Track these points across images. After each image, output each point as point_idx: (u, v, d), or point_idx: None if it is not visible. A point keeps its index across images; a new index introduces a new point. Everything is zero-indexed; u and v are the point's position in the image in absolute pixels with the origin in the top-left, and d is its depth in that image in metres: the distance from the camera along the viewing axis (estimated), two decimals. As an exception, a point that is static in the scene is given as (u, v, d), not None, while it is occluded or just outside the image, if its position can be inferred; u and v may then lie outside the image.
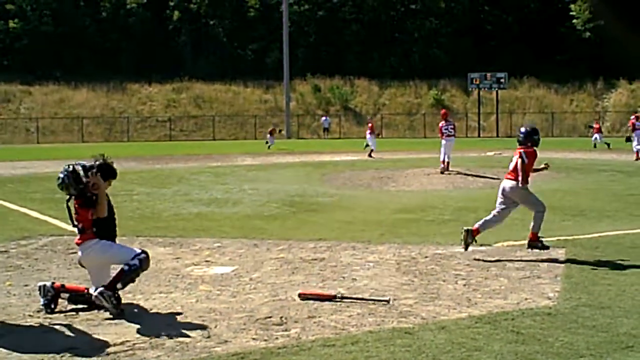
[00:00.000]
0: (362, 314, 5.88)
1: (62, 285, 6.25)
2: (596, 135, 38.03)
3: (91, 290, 6.13)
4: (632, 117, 34.97)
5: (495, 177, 19.68)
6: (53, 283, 6.20)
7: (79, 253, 6.28)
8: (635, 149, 28.66)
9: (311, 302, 6.30)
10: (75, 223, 6.21)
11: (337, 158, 29.86)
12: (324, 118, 60.01)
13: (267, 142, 39.90)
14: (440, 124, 22.41)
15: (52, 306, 6.10)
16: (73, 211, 6.21)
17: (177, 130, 59.78)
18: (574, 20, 64.90)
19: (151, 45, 67.34)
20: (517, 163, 8.66)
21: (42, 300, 6.11)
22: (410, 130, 59.06)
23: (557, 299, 6.24)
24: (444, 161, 21.06)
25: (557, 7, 66.62)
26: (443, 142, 21.45)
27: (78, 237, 6.25)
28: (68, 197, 6.22)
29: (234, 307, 6.20)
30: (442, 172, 20.60)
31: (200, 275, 7.56)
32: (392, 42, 69.37)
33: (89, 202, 6.16)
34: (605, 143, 36.39)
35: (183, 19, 70.23)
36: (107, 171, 6.39)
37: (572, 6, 65.56)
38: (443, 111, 23.86)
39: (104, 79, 62.96)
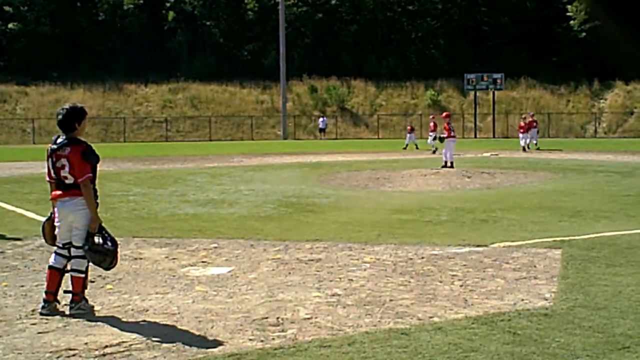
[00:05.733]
0: (359, 315, 5.88)
1: None
2: (522, 135, 36.21)
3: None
4: (530, 116, 36.72)
5: (493, 177, 19.73)
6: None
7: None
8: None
9: (308, 302, 6.29)
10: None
11: (333, 159, 29.86)
12: (321, 119, 60.06)
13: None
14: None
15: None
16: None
17: (173, 130, 59.75)
18: (571, 21, 65.03)
19: (147, 46, 67.33)
20: None
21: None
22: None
23: (554, 300, 6.24)
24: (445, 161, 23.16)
25: (553, 8, 66.77)
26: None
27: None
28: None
29: (230, 307, 6.19)
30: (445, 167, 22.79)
31: (196, 276, 7.56)
32: (389, 43, 69.47)
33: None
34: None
35: (179, 19, 70.21)
36: None
37: (568, 7, 65.69)
38: (445, 114, 25.61)
39: (100, 79, 62.92)
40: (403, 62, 67.62)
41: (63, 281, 6.22)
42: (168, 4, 71.27)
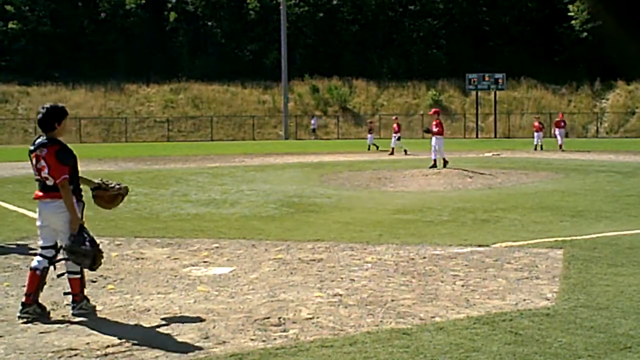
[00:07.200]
0: (361, 315, 5.88)
1: None
2: (536, 134, 36.36)
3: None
4: (560, 116, 36.36)
5: (494, 177, 19.72)
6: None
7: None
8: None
9: (309, 302, 6.29)
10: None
11: (335, 159, 29.86)
12: (314, 119, 60.26)
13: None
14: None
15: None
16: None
17: (175, 130, 59.79)
18: (572, 21, 65.00)
19: (149, 46, 67.38)
20: None
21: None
22: (408, 130, 59.07)
23: (555, 300, 6.24)
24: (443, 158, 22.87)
25: (555, 8, 66.76)
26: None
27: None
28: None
29: (232, 307, 6.19)
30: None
31: (198, 276, 7.56)
32: (391, 43, 69.51)
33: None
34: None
35: (180, 19, 70.24)
36: None
37: (570, 7, 65.66)
38: (434, 110, 25.58)
39: (102, 79, 62.97)
40: (405, 62, 67.63)
41: (64, 282, 6.21)
42: (170, 4, 71.30)
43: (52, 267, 6.15)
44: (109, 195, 6.55)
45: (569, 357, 4.75)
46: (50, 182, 5.96)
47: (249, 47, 69.48)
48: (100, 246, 6.10)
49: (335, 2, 71.06)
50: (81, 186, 6.20)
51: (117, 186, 6.56)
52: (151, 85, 64.47)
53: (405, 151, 33.15)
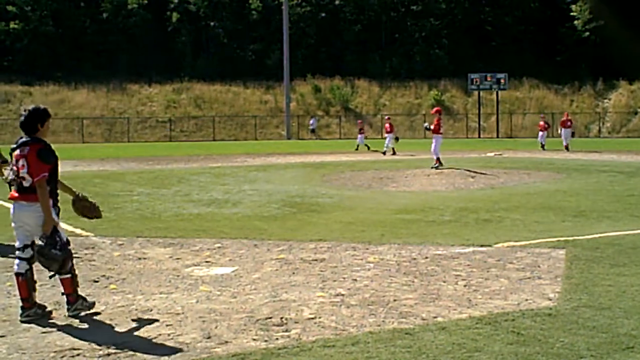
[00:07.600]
0: (363, 315, 5.88)
1: None
2: (541, 134, 36.58)
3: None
4: (565, 116, 36.35)
5: (496, 177, 19.71)
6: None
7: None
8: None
9: (311, 302, 6.30)
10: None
11: (337, 158, 29.86)
12: (312, 120, 60.23)
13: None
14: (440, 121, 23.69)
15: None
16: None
17: (177, 130, 59.78)
18: (575, 21, 64.99)
19: (151, 46, 67.37)
20: None
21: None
22: (410, 130, 59.10)
23: (558, 300, 6.24)
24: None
25: (557, 8, 66.76)
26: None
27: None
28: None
29: (234, 307, 6.20)
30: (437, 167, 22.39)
31: (200, 275, 7.56)
32: (393, 43, 69.53)
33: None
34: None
35: (183, 20, 70.28)
36: None
37: (572, 7, 65.65)
38: (436, 109, 25.60)
39: (104, 79, 62.98)
40: (407, 62, 67.63)
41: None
42: (172, 4, 71.30)
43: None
44: (85, 206, 6.48)
45: (571, 357, 4.75)
46: (27, 183, 5.90)
47: (251, 47, 69.50)
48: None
49: (337, 2, 71.07)
50: (60, 192, 6.12)
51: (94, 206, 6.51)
52: (153, 85, 64.49)
53: (390, 150, 32.95)
